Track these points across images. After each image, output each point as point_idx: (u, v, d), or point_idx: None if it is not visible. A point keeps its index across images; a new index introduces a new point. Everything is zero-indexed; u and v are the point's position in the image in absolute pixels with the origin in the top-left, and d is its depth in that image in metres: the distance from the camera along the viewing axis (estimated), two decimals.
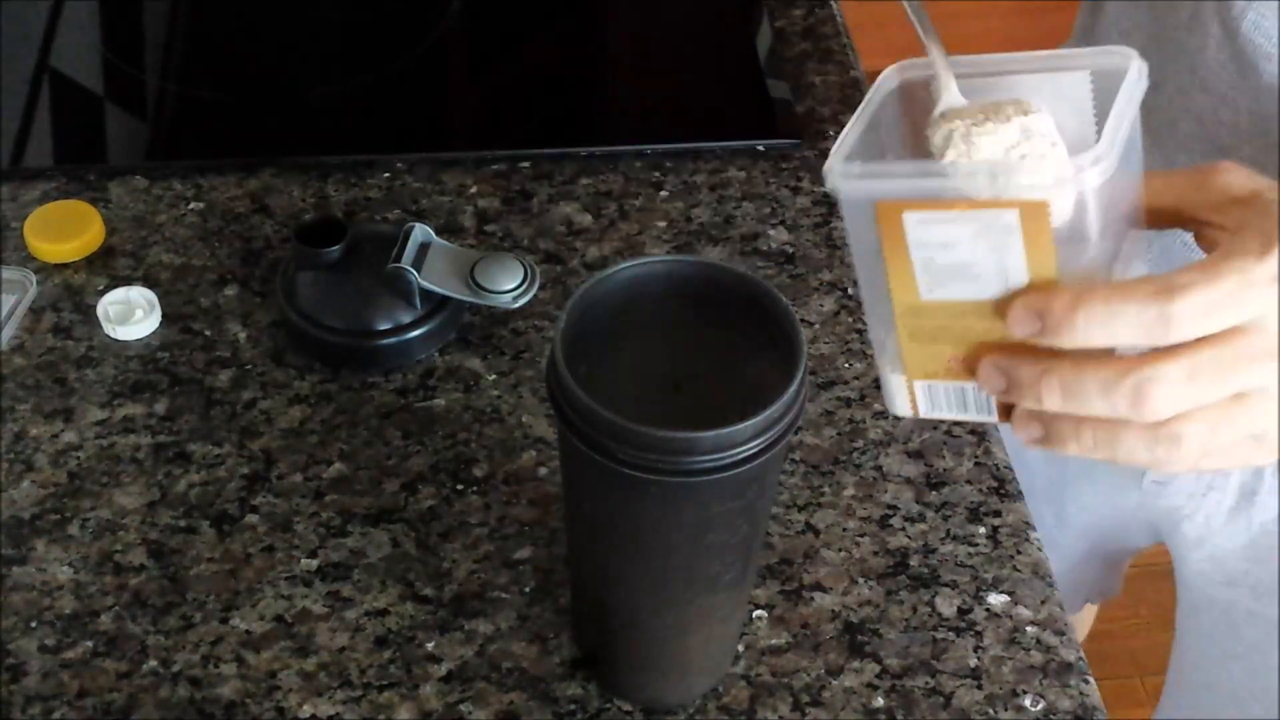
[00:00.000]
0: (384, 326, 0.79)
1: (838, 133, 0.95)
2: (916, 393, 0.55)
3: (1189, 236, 0.55)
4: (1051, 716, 0.67)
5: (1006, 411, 0.53)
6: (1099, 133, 0.49)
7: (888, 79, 0.54)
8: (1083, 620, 1.28)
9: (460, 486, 0.75)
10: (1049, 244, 0.48)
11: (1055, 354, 0.50)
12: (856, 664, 0.68)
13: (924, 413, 0.55)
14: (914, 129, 0.55)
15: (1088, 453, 0.51)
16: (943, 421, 0.73)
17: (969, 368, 0.52)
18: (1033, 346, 0.50)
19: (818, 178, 0.91)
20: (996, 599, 0.71)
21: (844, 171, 0.50)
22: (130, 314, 0.81)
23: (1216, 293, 0.48)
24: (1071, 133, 0.51)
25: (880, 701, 0.67)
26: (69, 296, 0.83)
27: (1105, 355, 0.49)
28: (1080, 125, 0.52)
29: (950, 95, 0.53)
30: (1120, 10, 0.80)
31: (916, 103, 0.55)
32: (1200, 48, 0.72)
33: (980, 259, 0.49)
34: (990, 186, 0.48)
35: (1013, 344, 0.51)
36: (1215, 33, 0.71)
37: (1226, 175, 0.53)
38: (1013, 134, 0.50)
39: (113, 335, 0.80)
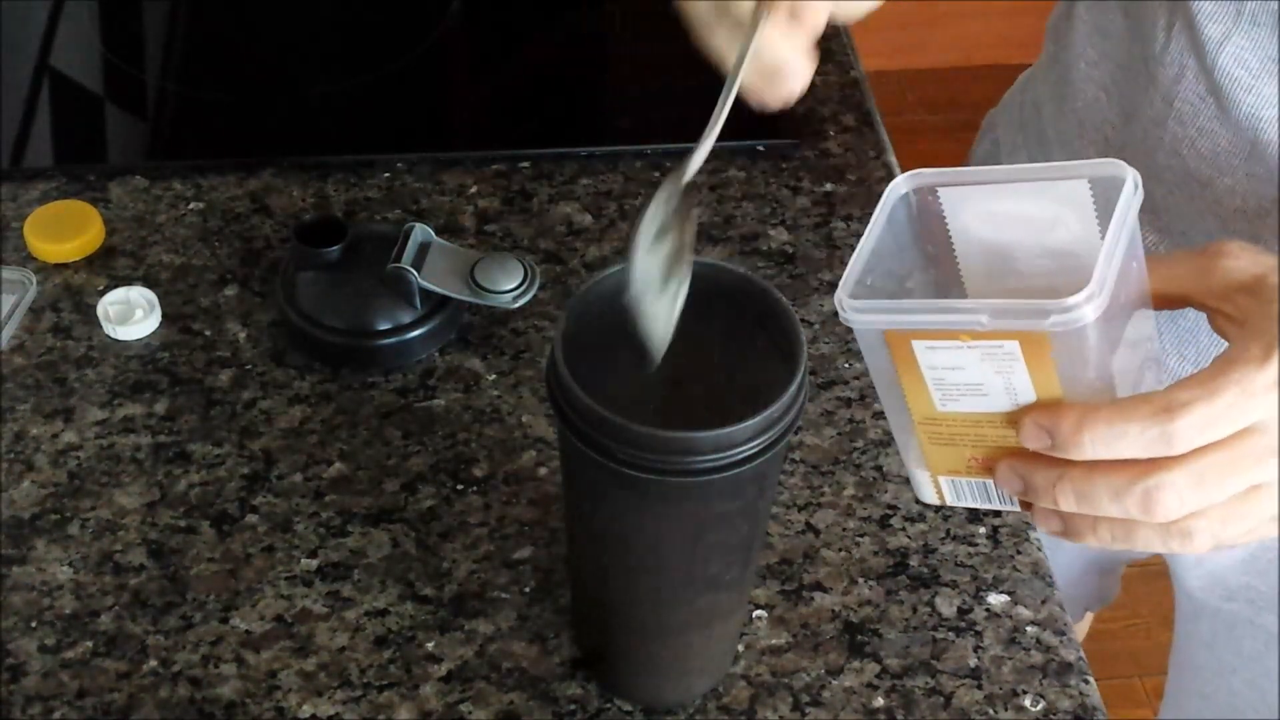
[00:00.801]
0: (384, 326, 0.79)
1: (838, 132, 0.95)
2: (942, 486, 0.58)
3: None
4: (1051, 716, 0.67)
5: (1028, 504, 0.55)
6: (1102, 233, 0.51)
7: (897, 186, 0.56)
8: (1081, 625, 1.28)
9: (460, 486, 0.75)
10: (1051, 368, 0.50)
11: (1068, 460, 0.51)
12: (856, 664, 0.68)
13: (950, 501, 0.58)
14: (925, 234, 0.56)
15: (1106, 545, 0.53)
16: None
17: (988, 467, 0.55)
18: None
19: (818, 178, 0.91)
20: (996, 599, 0.71)
21: (853, 307, 0.52)
22: (130, 314, 0.81)
23: (1217, 407, 0.49)
24: (1076, 229, 0.53)
25: (880, 701, 0.67)
26: (69, 296, 0.83)
27: (1117, 460, 0.51)
28: (1083, 220, 0.53)
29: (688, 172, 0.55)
30: (1086, 42, 0.79)
31: (927, 204, 0.56)
32: (1175, 79, 0.72)
33: (988, 379, 0.51)
34: (991, 323, 0.49)
35: (1026, 451, 0.53)
36: (1191, 64, 0.71)
37: (1230, 260, 0.54)
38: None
39: (113, 335, 0.80)
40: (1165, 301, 0.55)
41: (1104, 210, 0.52)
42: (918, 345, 0.52)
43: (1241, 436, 0.50)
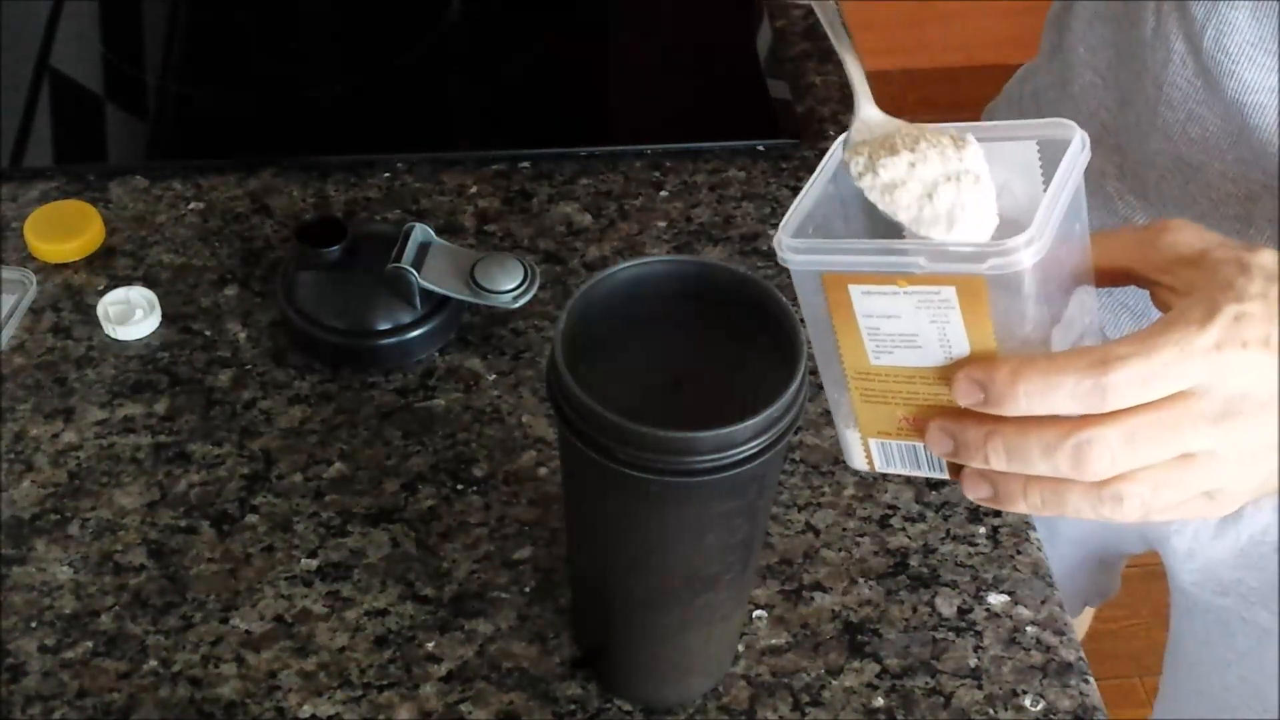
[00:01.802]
0: (384, 326, 0.79)
1: (838, 132, 0.95)
2: (871, 449, 0.57)
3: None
4: (1051, 716, 0.67)
5: (957, 470, 0.54)
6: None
7: (838, 148, 0.55)
8: (1081, 620, 1.28)
9: (460, 486, 0.75)
10: (986, 318, 0.50)
11: (1000, 416, 0.51)
12: (856, 664, 0.68)
13: (879, 468, 0.57)
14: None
15: (1035, 510, 0.52)
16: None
17: (919, 428, 0.54)
18: (976, 411, 0.51)
19: None
20: (996, 599, 0.71)
21: (790, 246, 0.52)
22: (130, 314, 0.81)
23: (1153, 364, 0.49)
24: (1021, 197, 0.53)
25: (880, 701, 0.67)
26: (69, 296, 0.83)
27: (1048, 416, 0.50)
28: (1029, 190, 0.53)
29: (865, 110, 0.55)
30: (1086, 27, 0.79)
31: None
32: (1165, 63, 0.72)
33: (922, 329, 0.51)
34: (929, 265, 0.49)
35: (957, 408, 0.52)
36: (1179, 49, 0.71)
37: (1174, 234, 0.54)
38: (914, 164, 0.52)
39: (113, 335, 0.80)
40: (1108, 277, 0.55)
41: (1051, 176, 0.51)
42: (854, 291, 0.51)
43: (1177, 399, 0.50)
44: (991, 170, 0.52)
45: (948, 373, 0.52)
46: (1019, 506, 0.53)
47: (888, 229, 0.54)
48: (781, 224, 0.52)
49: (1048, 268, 0.49)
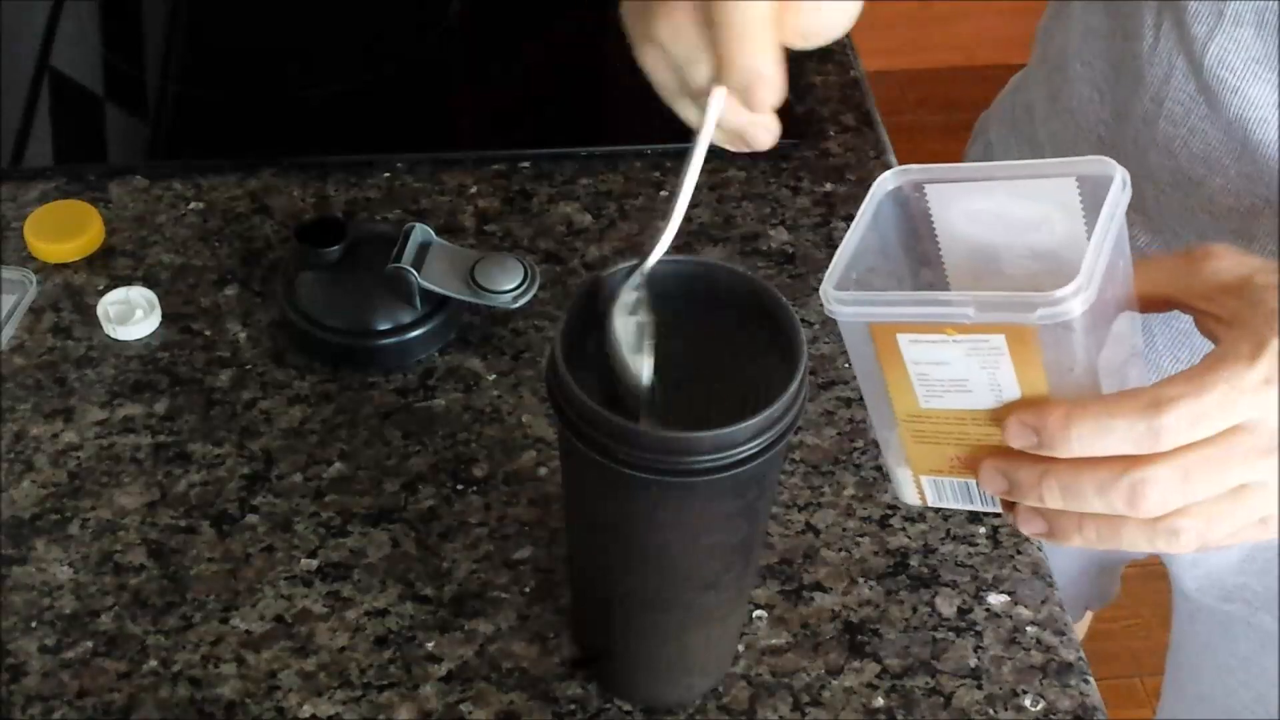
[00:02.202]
0: (384, 326, 0.79)
1: (838, 132, 0.95)
2: (923, 485, 0.57)
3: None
4: (1051, 716, 0.67)
5: (1010, 505, 0.55)
6: (1088, 233, 0.51)
7: (882, 183, 0.55)
8: (1081, 623, 1.28)
9: (460, 486, 0.75)
10: (1037, 363, 0.50)
11: (1052, 457, 0.51)
12: (856, 664, 0.68)
13: (931, 502, 0.58)
14: (911, 230, 0.56)
15: (1091, 544, 0.53)
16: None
17: (971, 467, 0.54)
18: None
19: (818, 178, 0.91)
20: (996, 599, 0.71)
21: (838, 299, 0.52)
22: (130, 314, 0.81)
23: (1205, 404, 0.49)
24: (1061, 233, 0.53)
25: (880, 701, 0.67)
26: (69, 296, 0.83)
27: (1102, 457, 0.51)
28: (1069, 227, 0.53)
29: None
30: (1081, 41, 0.79)
31: (914, 200, 0.56)
32: (1165, 78, 0.72)
33: (973, 375, 0.51)
34: (977, 316, 0.49)
35: (1010, 449, 0.52)
36: (1180, 64, 0.71)
37: (1216, 261, 0.54)
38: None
39: (113, 335, 0.80)
40: (1151, 304, 0.55)
41: (1091, 210, 0.52)
42: (902, 339, 0.52)
43: (1229, 434, 0.50)
44: (1031, 206, 0.53)
45: (999, 415, 0.52)
46: (1075, 541, 0.53)
47: (929, 267, 0.54)
48: (826, 275, 0.52)
49: (1096, 310, 0.49)
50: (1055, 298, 0.48)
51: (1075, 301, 0.48)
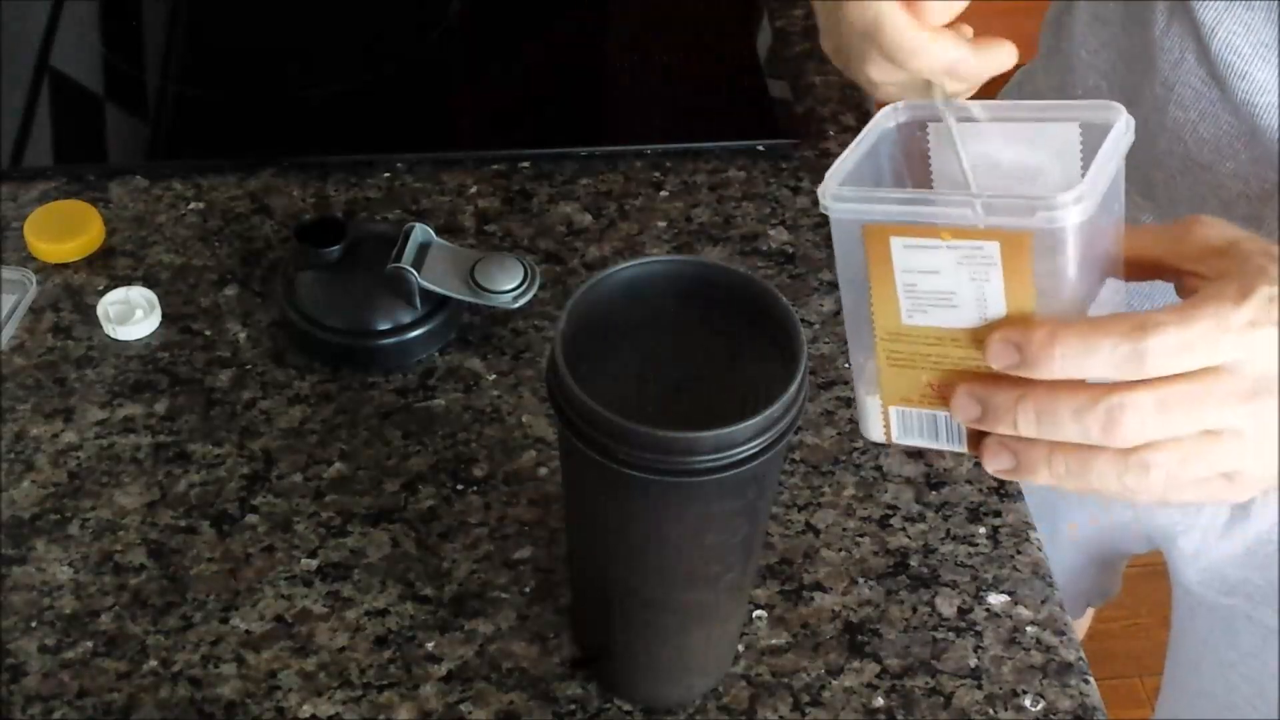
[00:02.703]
0: (384, 326, 0.79)
1: (838, 133, 0.95)
2: (890, 418, 0.57)
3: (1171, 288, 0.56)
4: (1051, 716, 0.67)
5: (975, 442, 0.54)
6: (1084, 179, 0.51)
7: (885, 116, 0.55)
8: (1082, 621, 1.28)
9: (460, 486, 0.75)
10: (1028, 278, 0.50)
11: (1029, 382, 0.51)
12: (856, 664, 0.68)
13: (896, 438, 0.57)
14: (909, 163, 0.56)
15: (1059, 481, 0.52)
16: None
17: (944, 395, 0.54)
18: (1006, 376, 0.51)
19: (818, 177, 0.91)
20: (996, 599, 0.71)
21: (836, 194, 0.52)
22: (130, 314, 0.81)
23: (1190, 334, 0.49)
24: (1058, 177, 0.53)
25: (880, 701, 0.67)
26: (69, 296, 0.83)
27: (1079, 383, 0.50)
28: (1066, 171, 0.53)
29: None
30: (1087, 29, 0.79)
31: (913, 140, 0.56)
32: (1175, 64, 0.72)
33: (961, 288, 0.51)
34: (977, 217, 0.49)
35: (986, 374, 0.52)
36: (1190, 49, 0.71)
37: (1205, 228, 0.54)
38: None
39: (113, 335, 0.80)
40: (1138, 269, 0.55)
41: (1089, 160, 0.52)
42: (895, 243, 0.51)
43: (1210, 373, 0.50)
44: (1028, 153, 0.53)
45: (981, 335, 0.51)
46: (1041, 476, 0.52)
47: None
48: (828, 174, 0.52)
49: (1089, 236, 0.49)
50: (1055, 202, 0.48)
51: (1074, 209, 0.48)
